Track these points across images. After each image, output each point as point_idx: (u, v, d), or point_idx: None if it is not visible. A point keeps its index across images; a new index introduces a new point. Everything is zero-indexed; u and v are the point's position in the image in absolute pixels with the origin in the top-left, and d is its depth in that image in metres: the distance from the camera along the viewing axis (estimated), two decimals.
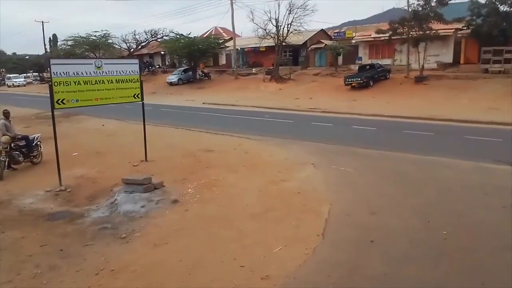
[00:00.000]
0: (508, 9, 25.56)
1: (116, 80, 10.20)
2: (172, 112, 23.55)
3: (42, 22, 58.26)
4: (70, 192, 8.94)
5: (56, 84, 9.00)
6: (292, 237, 6.01)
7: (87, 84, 9.57)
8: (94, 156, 12.06)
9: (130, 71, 10.54)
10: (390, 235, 5.93)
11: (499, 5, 25.64)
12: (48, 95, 9.21)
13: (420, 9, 26.56)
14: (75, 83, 9.34)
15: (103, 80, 9.91)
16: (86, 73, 9.56)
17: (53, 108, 9.11)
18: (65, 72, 9.16)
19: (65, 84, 9.16)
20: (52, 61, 9.32)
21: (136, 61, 11.64)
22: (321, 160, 10.43)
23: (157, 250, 5.88)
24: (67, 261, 5.70)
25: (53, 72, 9.00)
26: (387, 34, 28.37)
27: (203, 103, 27.14)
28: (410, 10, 27.18)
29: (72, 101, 9.40)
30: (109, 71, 10.03)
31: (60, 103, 9.17)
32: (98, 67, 9.82)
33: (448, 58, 30.86)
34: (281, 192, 8.06)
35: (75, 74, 9.34)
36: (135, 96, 10.74)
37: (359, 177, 8.98)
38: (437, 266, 4.98)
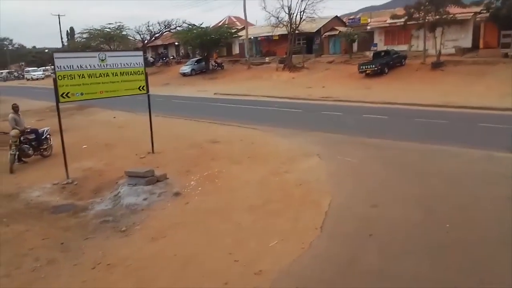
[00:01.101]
0: None
1: (120, 72, 10.21)
2: (183, 103, 23.59)
3: (58, 15, 59.05)
4: (77, 185, 9.06)
5: (60, 78, 9.07)
6: (289, 231, 5.93)
7: (91, 77, 9.62)
8: (103, 148, 12.19)
9: (135, 63, 10.53)
10: (390, 228, 5.78)
11: None
12: None
13: None
14: (79, 76, 9.39)
15: (107, 73, 9.93)
16: (90, 66, 9.59)
17: (58, 101, 9.19)
18: (69, 66, 9.22)
19: (69, 77, 9.22)
20: (56, 54, 9.38)
21: (140, 53, 11.60)
22: (327, 150, 10.25)
23: (154, 244, 5.89)
24: (66, 255, 5.78)
25: (57, 66, 9.07)
26: (403, 19, 27.56)
27: (215, 94, 27.10)
28: None
29: (77, 94, 9.46)
30: (113, 64, 10.05)
31: (65, 96, 9.23)
32: (102, 60, 9.84)
33: (467, 43, 29.86)
34: (282, 184, 7.96)
35: (79, 67, 9.39)
36: (141, 88, 10.75)
37: (363, 168, 8.79)
38: (436, 262, 4.82)
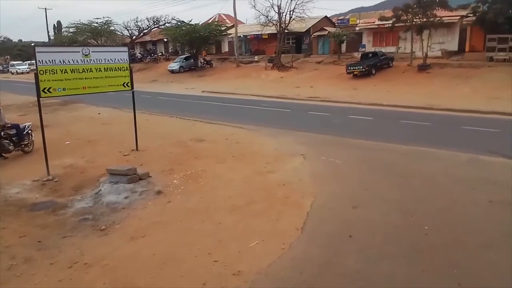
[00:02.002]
0: None
1: (104, 68, 10.04)
2: (170, 101, 23.40)
3: (45, 8, 58.15)
4: (57, 181, 8.88)
5: (42, 72, 8.87)
6: (270, 231, 5.91)
7: (74, 72, 9.43)
8: (86, 145, 12.00)
9: (119, 59, 10.35)
10: (369, 230, 5.80)
11: None
12: None
13: None
14: (61, 71, 9.20)
15: (91, 69, 9.75)
16: (73, 61, 9.40)
17: (39, 97, 9.00)
18: (51, 60, 9.02)
19: (51, 72, 9.03)
20: (37, 48, 9.15)
21: (125, 48, 11.44)
22: (312, 151, 10.27)
23: (133, 243, 5.81)
24: (43, 253, 5.66)
25: (39, 60, 8.86)
26: (391, 21, 27.79)
27: (202, 92, 26.95)
28: None
29: (59, 89, 9.27)
30: (97, 59, 9.86)
31: (47, 91, 9.05)
32: (86, 55, 9.67)
33: (453, 46, 30.26)
34: (266, 184, 7.94)
35: (62, 62, 9.19)
36: (125, 84, 10.59)
37: (347, 169, 8.82)
38: (413, 264, 4.85)
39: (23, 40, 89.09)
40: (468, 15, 27.96)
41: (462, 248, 5.22)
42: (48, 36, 61.83)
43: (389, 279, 4.59)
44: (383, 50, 31.06)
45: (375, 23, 32.82)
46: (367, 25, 35.11)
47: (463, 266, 4.79)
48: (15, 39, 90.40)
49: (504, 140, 11.23)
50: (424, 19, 26.01)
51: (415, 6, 26.00)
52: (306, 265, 4.93)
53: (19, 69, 57.02)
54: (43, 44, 42.42)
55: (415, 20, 26.49)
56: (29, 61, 60.11)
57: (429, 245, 5.31)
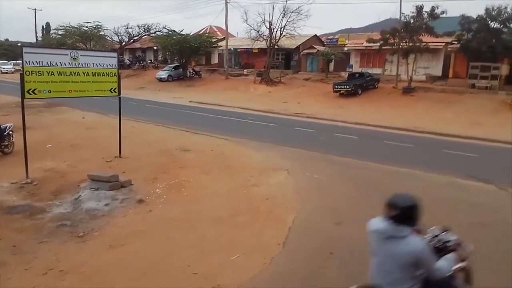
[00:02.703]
0: (498, 26, 25.81)
1: (92, 72, 9.97)
2: (156, 109, 23.27)
3: (35, 9, 57.50)
4: (36, 185, 8.68)
5: (28, 73, 8.76)
6: (252, 245, 5.88)
7: (61, 75, 9.34)
8: (68, 149, 11.80)
9: (108, 64, 10.32)
10: (350, 247, 5.82)
11: (489, 22, 25.89)
12: None
13: (411, 21, 26.68)
14: (48, 73, 9.09)
15: (78, 72, 9.67)
16: (61, 64, 9.31)
17: (23, 97, 8.85)
18: (38, 62, 8.92)
19: (37, 73, 8.92)
20: (25, 49, 9.04)
21: (115, 54, 11.41)
22: (296, 166, 10.32)
23: (112, 251, 5.70)
24: (18, 258, 5.50)
25: (25, 61, 8.75)
26: (378, 44, 28.44)
27: (190, 102, 26.90)
28: (402, 20, 27.30)
29: (44, 91, 9.15)
30: (85, 63, 9.80)
31: (31, 93, 8.91)
32: (74, 58, 9.59)
33: (437, 71, 31.08)
34: (249, 197, 7.92)
35: (49, 64, 9.10)
36: (112, 90, 10.53)
37: (331, 185, 8.89)
38: None
39: (9, 40, 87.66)
40: (453, 42, 28.86)
41: None
42: (36, 37, 61.02)
43: None
44: (370, 71, 31.68)
45: (363, 45, 33.52)
46: (355, 46, 35.84)
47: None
48: (1, 38, 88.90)
49: (483, 165, 11.53)
50: (411, 44, 26.72)
51: (402, 30, 26.73)
52: (287, 280, 4.92)
53: (4, 68, 55.92)
54: (30, 45, 41.87)
55: (401, 44, 27.20)
56: (14, 61, 59.15)
57: None
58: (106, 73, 10.24)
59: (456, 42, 28.37)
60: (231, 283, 4.83)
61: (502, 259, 5.57)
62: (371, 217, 6.92)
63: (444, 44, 29.79)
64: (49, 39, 53.55)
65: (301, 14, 33.48)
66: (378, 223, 3.21)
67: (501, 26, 25.73)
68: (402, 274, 3.07)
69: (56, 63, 9.20)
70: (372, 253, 3.31)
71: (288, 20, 33.43)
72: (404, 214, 3.06)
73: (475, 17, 26.47)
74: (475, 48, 25.32)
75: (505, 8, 25.28)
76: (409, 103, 24.35)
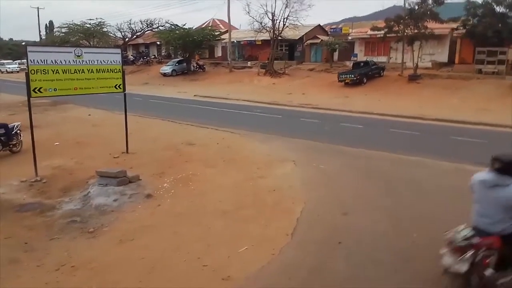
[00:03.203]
0: (504, 10, 25.34)
1: (97, 69, 10.02)
2: (161, 104, 23.32)
3: (38, 7, 57.48)
4: (45, 183, 8.79)
5: (33, 72, 8.84)
6: (260, 237, 5.91)
7: (66, 73, 9.40)
8: (76, 146, 11.91)
9: (112, 61, 10.34)
10: (358, 237, 5.83)
11: (495, 6, 25.43)
12: None
13: (416, 7, 26.35)
14: (53, 71, 9.16)
15: (83, 69, 9.73)
16: (65, 62, 9.38)
17: (29, 96, 8.93)
18: (43, 60, 8.98)
19: (42, 72, 8.99)
20: (29, 48, 9.10)
21: (118, 50, 11.42)
22: (303, 157, 10.32)
23: (122, 246, 5.77)
24: (30, 255, 5.59)
25: (30, 60, 8.82)
26: (383, 32, 28.15)
27: (194, 96, 26.93)
28: (407, 7, 26.96)
29: (50, 90, 9.22)
30: (89, 60, 9.85)
31: (37, 91, 9.00)
32: (78, 56, 9.63)
33: (443, 57, 30.73)
34: (256, 189, 7.95)
35: (53, 62, 9.16)
36: (117, 86, 10.57)
37: (337, 176, 8.88)
38: (401, 272, 4.89)
39: (13, 39, 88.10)
40: (458, 27, 28.43)
41: None
42: (40, 35, 61.12)
43: (377, 286, 4.62)
44: (375, 59, 31.40)
45: (367, 33, 33.20)
46: (359, 35, 35.50)
47: None
48: (5, 37, 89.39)
49: (490, 151, 11.36)
50: (416, 31, 26.41)
51: (406, 17, 26.41)
52: (296, 271, 4.95)
53: (9, 68, 56.21)
54: (34, 44, 42.02)
55: (406, 31, 26.90)
56: (19, 60, 59.41)
57: (416, 253, 5.36)
58: (110, 69, 10.28)
59: (461, 28, 27.93)
60: (241, 275, 4.88)
61: None
62: (378, 206, 6.99)
63: (449, 30, 29.38)
64: (53, 37, 53.75)
65: (303, 4, 33.22)
66: (482, 175, 4.04)
67: (507, 10, 25.25)
68: (503, 215, 3.84)
69: (60, 61, 9.26)
70: (475, 201, 4.14)
71: (291, 11, 33.20)
72: (507, 166, 3.84)
73: (480, 2, 26.05)
74: (481, 33, 24.92)
75: None
76: (415, 90, 24.13)
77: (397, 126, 15.29)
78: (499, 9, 25.41)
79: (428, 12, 25.79)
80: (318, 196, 7.57)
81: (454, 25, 28.63)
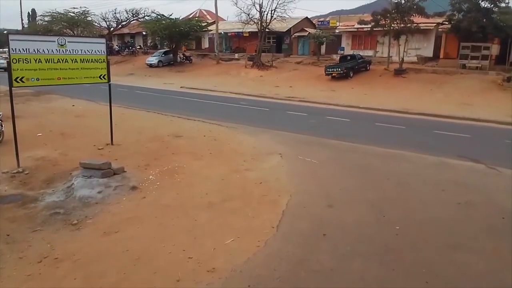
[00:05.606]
0: (488, 5, 25.76)
1: (81, 59, 9.80)
2: (147, 95, 23.05)
3: None
4: (28, 174, 8.61)
5: (15, 61, 8.60)
6: (246, 229, 5.93)
7: (49, 62, 9.17)
8: (59, 137, 11.70)
9: (96, 51, 10.13)
10: (343, 229, 5.91)
11: (480, 1, 25.82)
12: None
13: (402, 1, 26.51)
14: (35, 60, 8.93)
15: (66, 59, 9.50)
16: (48, 51, 9.14)
17: (11, 86, 8.71)
18: (25, 49, 8.75)
19: (24, 61, 8.76)
20: (11, 36, 8.84)
21: (103, 40, 11.19)
22: (289, 150, 10.36)
23: (106, 238, 5.71)
24: (12, 247, 5.50)
25: (12, 49, 8.58)
26: (369, 25, 28.28)
27: (181, 87, 26.70)
28: (393, 1, 27.11)
29: (32, 79, 9.00)
30: (73, 50, 9.62)
31: (19, 81, 8.76)
32: (62, 45, 9.41)
33: (429, 52, 31.08)
34: (242, 182, 7.96)
35: (36, 51, 8.92)
36: (101, 77, 10.37)
37: (323, 168, 8.95)
38: (384, 263, 4.98)
39: None
40: (444, 22, 28.79)
41: (430, 248, 5.39)
42: (22, 24, 59.45)
43: (361, 277, 4.70)
44: (361, 53, 31.57)
45: (355, 27, 33.32)
46: (346, 28, 35.60)
47: (431, 266, 4.95)
48: None
49: (473, 145, 11.66)
50: (402, 25, 26.63)
51: (393, 11, 26.58)
52: (281, 263, 4.98)
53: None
54: (16, 32, 40.92)
55: (393, 25, 27.09)
56: (1, 49, 57.91)
57: (399, 245, 5.46)
58: (94, 59, 10.07)
59: (447, 23, 28.31)
60: (226, 266, 4.89)
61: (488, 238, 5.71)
62: (363, 199, 7.08)
63: (435, 24, 29.72)
64: (35, 26, 52.36)
65: None
66: None
67: (492, 5, 25.69)
68: None
69: (43, 50, 9.02)
70: None
71: (279, 3, 33.09)
72: None
73: None
74: (466, 28, 25.27)
75: None
76: (401, 84, 24.39)
77: (382, 120, 15.45)
78: (484, 4, 25.80)
79: (414, 7, 26.00)
80: (304, 189, 7.62)
81: (440, 20, 28.99)
